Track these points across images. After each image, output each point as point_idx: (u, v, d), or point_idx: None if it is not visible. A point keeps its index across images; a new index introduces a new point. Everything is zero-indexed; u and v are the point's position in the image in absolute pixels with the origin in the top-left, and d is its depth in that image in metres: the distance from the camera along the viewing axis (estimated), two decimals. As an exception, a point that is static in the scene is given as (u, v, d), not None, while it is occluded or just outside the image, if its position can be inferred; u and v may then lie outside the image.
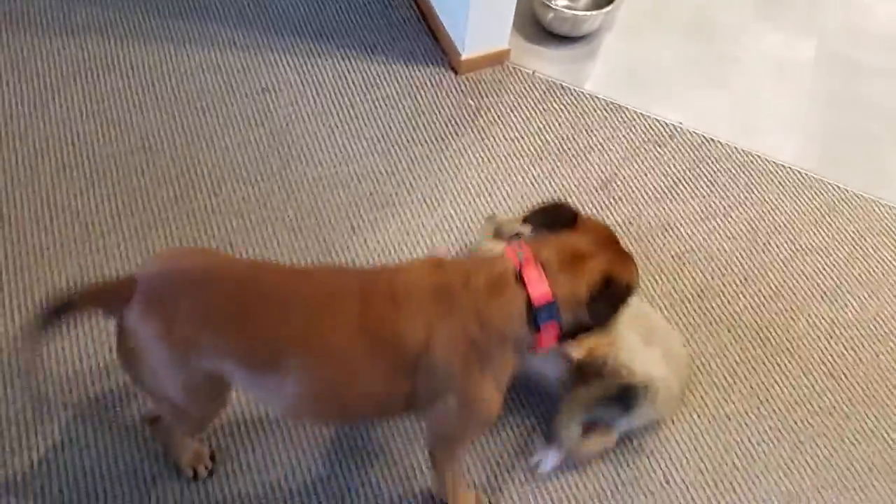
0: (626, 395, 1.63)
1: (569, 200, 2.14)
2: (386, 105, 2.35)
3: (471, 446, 1.72)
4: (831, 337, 2.02)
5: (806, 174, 2.33)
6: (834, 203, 2.28)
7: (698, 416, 1.86)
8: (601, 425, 1.71)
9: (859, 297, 2.10)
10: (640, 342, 1.67)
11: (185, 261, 1.33)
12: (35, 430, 1.69)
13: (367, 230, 2.08)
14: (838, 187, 2.31)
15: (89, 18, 2.44)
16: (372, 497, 1.68)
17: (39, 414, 1.71)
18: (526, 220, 1.39)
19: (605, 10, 2.51)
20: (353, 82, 2.39)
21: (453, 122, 2.33)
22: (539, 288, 1.26)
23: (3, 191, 2.05)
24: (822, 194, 2.29)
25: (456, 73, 2.44)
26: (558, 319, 1.28)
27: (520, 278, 1.28)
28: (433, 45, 2.50)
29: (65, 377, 1.77)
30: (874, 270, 2.15)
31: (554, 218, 1.36)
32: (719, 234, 2.18)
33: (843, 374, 1.96)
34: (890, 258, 2.18)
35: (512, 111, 2.37)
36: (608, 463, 1.77)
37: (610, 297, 1.30)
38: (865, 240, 2.21)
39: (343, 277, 1.37)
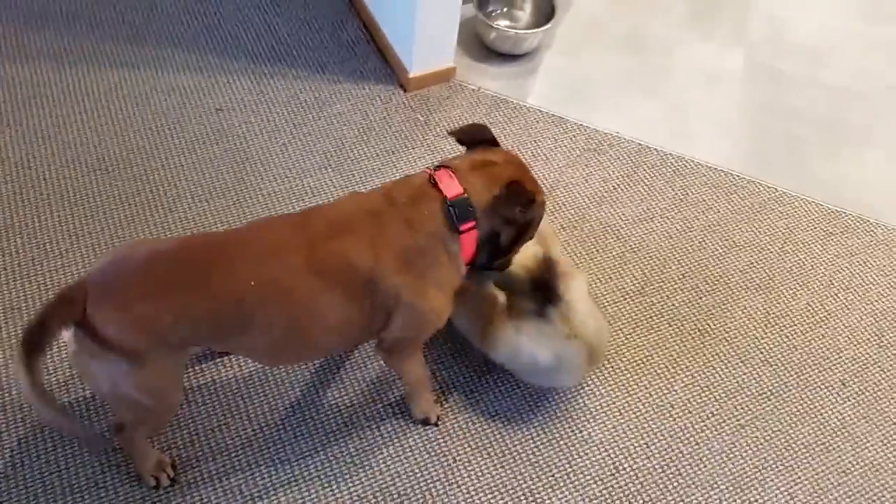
0: (545, 293, 1.72)
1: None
2: (337, 122, 2.43)
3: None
4: (766, 326, 2.14)
5: (737, 175, 2.47)
6: (764, 202, 2.41)
7: (644, 406, 1.95)
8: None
9: (791, 288, 2.22)
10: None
11: (127, 250, 1.37)
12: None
13: (322, 241, 2.14)
14: (768, 187, 2.45)
15: (43, 45, 2.49)
16: (334, 492, 1.73)
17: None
18: (451, 133, 1.59)
19: (543, 28, 2.64)
20: (305, 101, 2.47)
21: (403, 136, 2.42)
22: (450, 186, 1.45)
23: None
24: (754, 194, 2.43)
25: (404, 90, 2.53)
26: (474, 217, 1.45)
27: (435, 185, 1.45)
28: (382, 64, 2.60)
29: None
30: (804, 263, 2.28)
31: (474, 135, 1.57)
32: (657, 234, 2.29)
33: (779, 360, 2.08)
34: (818, 251, 2.31)
35: (459, 125, 2.46)
36: (560, 454, 1.85)
37: (514, 198, 1.47)
38: (795, 235, 2.35)
39: (279, 225, 1.46)
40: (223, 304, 1.34)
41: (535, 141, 2.47)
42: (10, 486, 1.67)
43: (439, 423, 1.85)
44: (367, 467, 1.77)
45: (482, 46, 2.71)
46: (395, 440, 1.82)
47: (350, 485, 1.74)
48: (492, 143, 1.58)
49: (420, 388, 1.78)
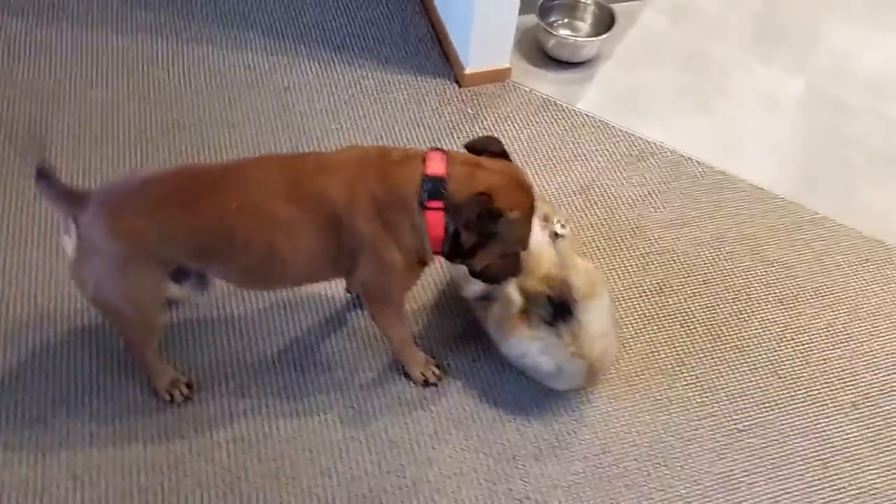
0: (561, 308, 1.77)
1: (547, 199, 2.33)
2: (393, 108, 2.60)
3: (404, 314, 1.86)
4: (782, 340, 2.13)
5: (779, 196, 2.47)
6: (802, 223, 2.40)
7: (641, 397, 1.99)
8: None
9: (815, 307, 2.20)
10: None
11: (130, 174, 1.58)
12: (35, 359, 1.95)
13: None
14: (808, 209, 2.43)
15: (143, 20, 2.81)
16: (329, 430, 1.86)
17: (40, 339, 1.97)
18: (466, 146, 1.65)
19: (601, 38, 2.74)
20: (366, 87, 2.66)
21: (451, 126, 2.56)
22: (435, 165, 1.53)
23: (48, 151, 2.37)
24: (792, 214, 2.42)
25: (460, 85, 2.69)
26: (442, 199, 1.52)
27: (426, 162, 1.54)
28: (443, 62, 2.77)
29: (64, 312, 2.03)
30: (833, 285, 2.26)
31: (485, 144, 1.63)
32: (685, 239, 2.33)
33: (790, 373, 2.06)
34: (851, 275, 2.28)
35: (506, 121, 2.60)
36: (549, 429, 1.91)
37: (472, 206, 1.50)
38: (829, 258, 2.32)
39: (271, 161, 1.62)
40: (207, 223, 1.50)
41: (576, 141, 2.55)
42: (45, 380, 1.90)
43: (439, 383, 1.95)
44: (363, 413, 1.89)
45: (542, 53, 2.83)
46: (393, 393, 1.94)
47: (345, 426, 1.87)
48: (502, 155, 1.64)
49: (404, 349, 1.89)
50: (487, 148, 1.63)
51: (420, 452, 1.85)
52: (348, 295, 2.09)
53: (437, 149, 1.60)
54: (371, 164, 1.55)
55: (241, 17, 2.86)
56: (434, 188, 1.52)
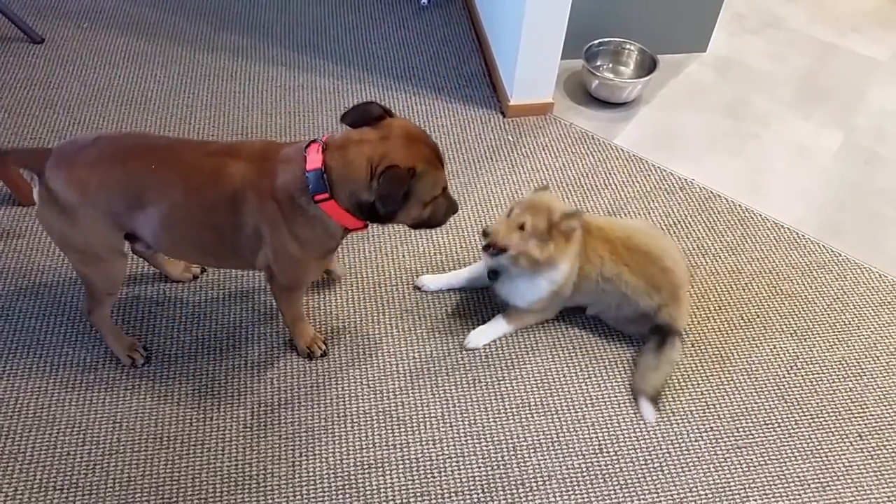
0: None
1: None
2: (439, 131, 2.82)
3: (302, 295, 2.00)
4: (792, 368, 2.17)
5: (803, 235, 2.54)
6: (824, 262, 2.46)
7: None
8: None
9: (829, 341, 2.24)
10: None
11: (85, 135, 1.74)
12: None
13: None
14: (831, 250, 2.49)
15: (230, 42, 3.14)
16: (345, 403, 2.01)
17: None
18: (342, 119, 1.64)
19: (641, 80, 2.90)
20: (418, 112, 2.89)
21: (490, 151, 2.75)
22: (313, 160, 1.59)
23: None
24: (814, 254, 2.48)
25: (504, 115, 2.88)
26: (326, 190, 1.60)
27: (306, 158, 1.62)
28: (491, 94, 2.98)
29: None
30: (850, 322, 2.29)
31: (362, 115, 1.62)
32: (704, 269, 2.41)
33: (796, 399, 2.10)
34: (869, 315, 2.31)
35: (544, 149, 2.77)
36: (550, 424, 2.00)
37: (386, 181, 1.55)
38: (849, 297, 2.36)
39: (193, 141, 1.75)
40: (130, 179, 1.66)
41: (609, 172, 2.70)
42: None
43: (325, 355, 2.11)
44: (378, 392, 2.05)
45: (586, 94, 3.01)
46: (407, 377, 2.08)
47: (359, 401, 2.03)
48: (382, 117, 1.62)
49: (297, 324, 2.03)
50: (364, 117, 1.62)
51: (425, 433, 1.97)
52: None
53: (315, 140, 1.64)
54: (267, 159, 1.65)
55: (315, 46, 3.17)
56: (315, 183, 1.60)
